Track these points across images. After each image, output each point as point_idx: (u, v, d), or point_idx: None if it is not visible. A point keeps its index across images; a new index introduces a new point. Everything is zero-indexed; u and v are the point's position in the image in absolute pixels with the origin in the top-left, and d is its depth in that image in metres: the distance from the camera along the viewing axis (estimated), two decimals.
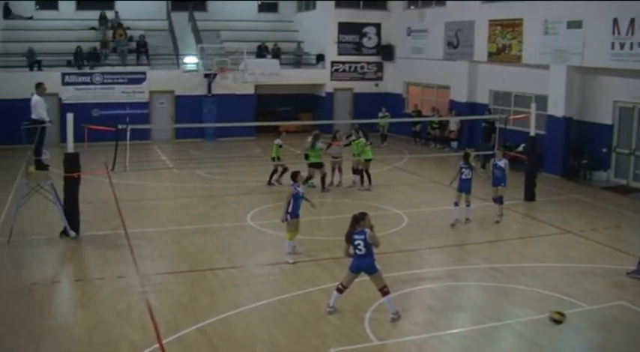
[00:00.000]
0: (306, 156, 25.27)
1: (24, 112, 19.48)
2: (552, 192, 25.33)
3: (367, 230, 13.44)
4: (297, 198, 17.18)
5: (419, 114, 37.18)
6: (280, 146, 25.63)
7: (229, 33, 41.70)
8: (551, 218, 21.73)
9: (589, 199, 24.54)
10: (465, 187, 20.83)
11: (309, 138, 25.19)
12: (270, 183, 25.92)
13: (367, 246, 13.37)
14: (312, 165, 25.09)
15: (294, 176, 17.54)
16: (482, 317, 13.78)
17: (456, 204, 20.88)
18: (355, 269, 13.61)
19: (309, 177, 24.64)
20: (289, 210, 17.09)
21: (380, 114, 36.09)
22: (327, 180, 25.26)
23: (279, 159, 25.66)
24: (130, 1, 41.09)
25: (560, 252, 17.90)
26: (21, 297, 14.78)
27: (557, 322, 12.91)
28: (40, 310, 14.13)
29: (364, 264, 13.47)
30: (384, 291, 13.54)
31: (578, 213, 22.40)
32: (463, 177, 20.71)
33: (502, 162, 21.28)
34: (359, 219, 13.55)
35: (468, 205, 20.98)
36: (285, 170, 25.31)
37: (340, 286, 13.83)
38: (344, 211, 20.33)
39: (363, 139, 25.56)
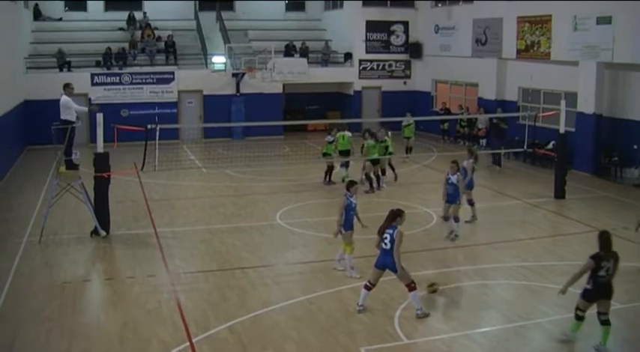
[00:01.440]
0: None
1: (55, 113, 19.64)
2: (582, 190, 25.13)
3: (399, 227, 13.38)
4: (349, 210, 15.94)
5: (447, 112, 37.04)
6: (331, 142, 25.75)
7: (257, 32, 41.83)
8: (582, 216, 21.57)
9: (620, 197, 24.32)
10: (450, 197, 19.04)
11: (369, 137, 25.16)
12: (329, 182, 25.77)
13: (392, 242, 13.35)
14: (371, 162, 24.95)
15: (349, 186, 16.14)
16: (512, 315, 13.71)
17: (445, 218, 19.20)
18: (380, 266, 13.65)
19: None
20: (342, 222, 15.95)
21: (404, 122, 30.97)
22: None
23: (330, 156, 25.90)
24: (158, 1, 41.39)
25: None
26: (53, 296, 14.93)
27: (433, 291, 14.25)
28: (72, 308, 14.26)
29: (388, 261, 13.47)
30: (410, 287, 13.53)
31: (609, 210, 22.19)
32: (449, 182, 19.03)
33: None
34: (396, 215, 13.55)
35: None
36: (332, 168, 25.56)
37: (368, 283, 13.87)
38: (373, 210, 20.39)
39: (370, 141, 25.04)
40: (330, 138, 25.87)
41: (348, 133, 26.14)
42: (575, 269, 12.52)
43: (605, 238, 12.42)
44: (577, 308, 12.45)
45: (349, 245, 16.04)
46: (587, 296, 12.31)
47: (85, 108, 19.52)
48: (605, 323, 12.27)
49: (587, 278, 12.30)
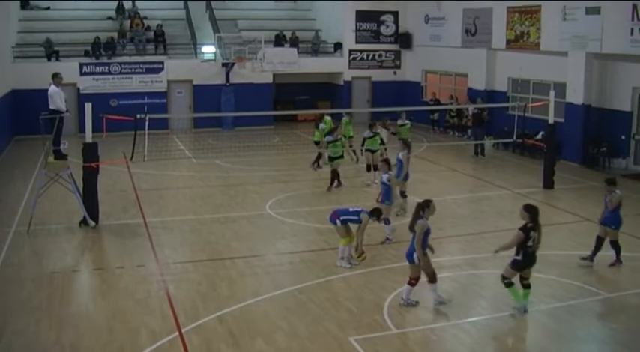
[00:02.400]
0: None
1: (43, 103, 19.55)
2: (571, 180, 25.21)
3: (425, 219, 13.33)
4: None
5: (437, 102, 37.07)
6: (322, 129, 25.88)
7: (247, 22, 41.72)
8: (570, 206, 21.65)
9: None
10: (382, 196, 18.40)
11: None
12: (317, 166, 25.81)
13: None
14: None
15: (375, 214, 15.88)
16: (501, 305, 13.74)
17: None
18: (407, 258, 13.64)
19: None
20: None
21: (399, 122, 29.15)
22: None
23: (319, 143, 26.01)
24: None
25: (578, 240, 17.80)
26: (41, 286, 14.90)
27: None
28: (61, 298, 14.25)
29: (408, 251, 13.49)
30: (410, 281, 13.52)
31: (597, 200, 22.06)
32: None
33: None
34: (423, 207, 13.41)
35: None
36: (320, 154, 25.74)
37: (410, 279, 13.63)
38: (363, 200, 20.45)
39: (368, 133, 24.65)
40: (322, 125, 25.92)
41: (328, 117, 26.99)
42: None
43: (533, 210, 13.18)
44: (504, 278, 13.14)
45: (343, 238, 16.00)
46: (516, 266, 13.04)
47: (64, 109, 19.34)
48: (527, 286, 13.23)
49: (517, 249, 13.00)
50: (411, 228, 13.37)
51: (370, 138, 24.28)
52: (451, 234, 18.69)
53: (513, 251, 13.07)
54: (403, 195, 20.58)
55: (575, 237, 18.38)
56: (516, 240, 12.96)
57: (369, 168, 24.37)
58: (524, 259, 12.96)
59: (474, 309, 13.75)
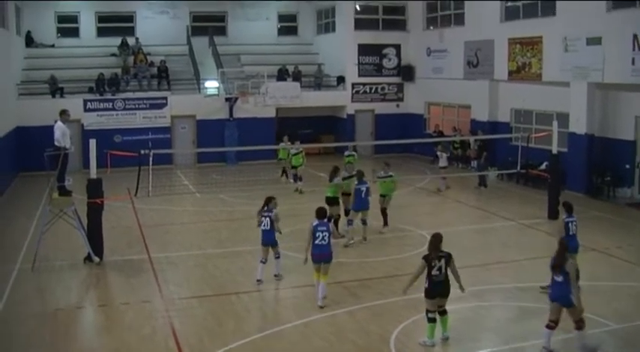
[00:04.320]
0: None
1: (48, 139, 19.60)
2: (576, 210, 24.74)
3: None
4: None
5: (440, 134, 37.04)
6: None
7: (249, 57, 41.94)
8: None
9: (613, 216, 24.36)
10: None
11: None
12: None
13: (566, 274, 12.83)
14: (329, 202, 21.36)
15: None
16: (509, 337, 13.68)
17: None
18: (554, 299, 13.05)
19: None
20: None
21: (346, 153, 28.86)
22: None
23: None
24: (150, 23, 41.69)
25: (585, 271, 17.64)
26: (45, 322, 14.88)
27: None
28: (65, 335, 14.22)
29: (561, 294, 12.82)
30: (552, 325, 12.92)
31: (602, 230, 22.19)
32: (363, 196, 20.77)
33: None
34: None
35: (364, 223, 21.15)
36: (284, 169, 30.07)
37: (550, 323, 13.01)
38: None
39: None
40: (337, 179, 22.36)
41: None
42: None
43: (433, 240, 13.49)
44: (427, 312, 13.35)
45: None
46: (427, 294, 13.28)
47: (68, 145, 19.37)
48: (443, 313, 13.48)
49: (424, 278, 13.24)
50: (556, 267, 12.86)
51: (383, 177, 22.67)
52: (457, 266, 18.56)
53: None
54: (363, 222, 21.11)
55: (581, 267, 18.15)
56: (419, 269, 13.39)
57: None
58: (430, 286, 13.27)
59: (480, 342, 13.69)
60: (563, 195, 24.56)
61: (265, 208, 17.49)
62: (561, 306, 12.72)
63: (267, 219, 17.13)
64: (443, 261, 13.24)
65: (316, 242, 15.50)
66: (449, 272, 13.37)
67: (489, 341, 13.75)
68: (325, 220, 15.95)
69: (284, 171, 31.70)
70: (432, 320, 13.27)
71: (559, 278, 12.71)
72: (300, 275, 17.79)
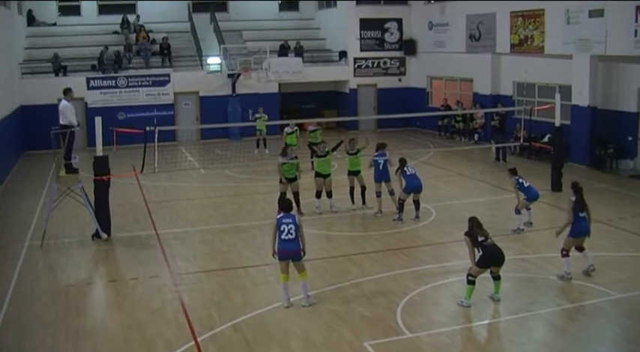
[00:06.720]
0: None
1: (52, 117, 19.71)
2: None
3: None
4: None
5: (448, 108, 36.81)
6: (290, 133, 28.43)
7: (251, 33, 41.95)
8: None
9: (616, 188, 24.47)
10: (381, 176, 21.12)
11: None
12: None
13: None
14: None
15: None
16: (513, 307, 13.85)
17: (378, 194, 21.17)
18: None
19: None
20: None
21: (257, 115, 33.31)
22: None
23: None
24: (151, 1, 41.71)
25: (588, 242, 17.85)
26: (57, 299, 15.05)
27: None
28: (76, 311, 14.38)
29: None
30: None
31: (605, 202, 22.30)
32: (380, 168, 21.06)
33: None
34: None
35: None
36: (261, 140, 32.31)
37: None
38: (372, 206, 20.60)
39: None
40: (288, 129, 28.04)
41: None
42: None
43: (477, 222, 14.52)
44: (469, 275, 14.09)
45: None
46: (481, 264, 14.00)
47: (75, 123, 19.45)
48: (497, 278, 14.23)
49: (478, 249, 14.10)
50: (584, 205, 15.42)
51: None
52: (460, 239, 18.68)
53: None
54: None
55: None
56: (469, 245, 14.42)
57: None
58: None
59: (486, 312, 13.83)
60: (565, 167, 24.70)
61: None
62: (584, 238, 15.32)
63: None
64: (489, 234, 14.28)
65: (282, 237, 13.97)
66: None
67: (495, 311, 13.86)
68: (291, 212, 14.28)
69: (258, 143, 32.94)
70: (471, 283, 13.92)
71: (583, 214, 15.29)
72: (307, 248, 17.92)
